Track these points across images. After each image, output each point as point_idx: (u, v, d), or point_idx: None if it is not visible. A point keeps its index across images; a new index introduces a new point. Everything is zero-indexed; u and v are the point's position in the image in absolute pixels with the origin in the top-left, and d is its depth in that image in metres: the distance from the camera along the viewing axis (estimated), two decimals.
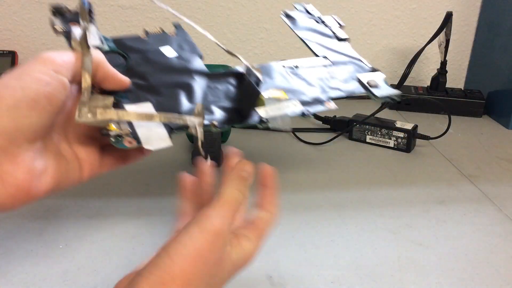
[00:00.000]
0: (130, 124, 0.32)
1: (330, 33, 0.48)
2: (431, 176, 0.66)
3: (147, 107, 0.34)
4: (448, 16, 0.84)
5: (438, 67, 0.92)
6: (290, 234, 0.52)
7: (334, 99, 0.40)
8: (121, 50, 0.37)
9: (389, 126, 0.74)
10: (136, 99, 0.34)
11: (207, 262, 0.27)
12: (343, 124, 0.79)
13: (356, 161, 0.71)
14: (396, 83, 0.89)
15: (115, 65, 0.34)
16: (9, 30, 0.92)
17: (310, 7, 0.51)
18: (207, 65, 0.70)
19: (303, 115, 0.39)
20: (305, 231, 0.53)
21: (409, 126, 0.73)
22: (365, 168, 0.68)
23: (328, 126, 0.82)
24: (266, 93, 0.38)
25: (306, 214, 0.56)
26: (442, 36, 0.87)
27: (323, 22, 0.49)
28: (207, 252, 0.27)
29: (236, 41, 0.98)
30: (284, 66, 0.42)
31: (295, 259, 0.48)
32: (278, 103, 0.38)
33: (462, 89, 0.95)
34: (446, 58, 0.90)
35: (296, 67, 0.42)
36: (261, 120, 0.36)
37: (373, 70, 0.44)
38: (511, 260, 0.49)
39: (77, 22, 0.36)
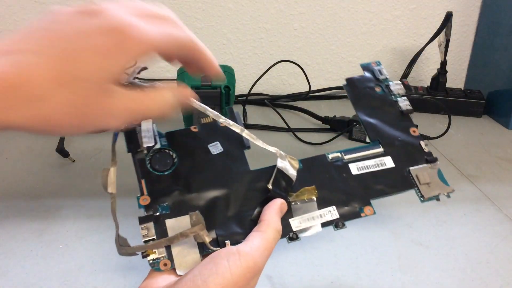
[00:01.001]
0: (167, 245, 0.34)
1: (393, 105, 0.43)
2: None
3: (185, 221, 0.35)
4: (448, 16, 0.84)
5: (438, 67, 0.92)
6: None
7: (375, 198, 0.38)
8: (172, 148, 0.38)
9: None
10: (177, 212, 0.36)
11: None
12: (343, 124, 0.79)
13: None
14: None
15: (164, 165, 0.37)
16: (9, 30, 0.92)
17: (379, 69, 0.45)
18: None
19: (336, 227, 0.36)
20: None
21: None
22: None
23: (328, 126, 0.82)
24: (294, 196, 0.37)
25: None
26: (442, 36, 0.87)
27: (388, 88, 0.44)
28: (242, 286, 0.30)
29: (236, 41, 0.98)
30: (329, 158, 0.39)
31: (295, 259, 0.48)
32: (311, 212, 0.36)
33: (462, 89, 0.95)
34: (446, 58, 0.90)
35: (343, 159, 0.39)
36: (290, 237, 0.35)
37: (429, 157, 0.40)
38: (511, 260, 0.49)
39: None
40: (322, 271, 0.46)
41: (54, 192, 0.59)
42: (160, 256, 0.33)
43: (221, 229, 0.35)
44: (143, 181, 0.36)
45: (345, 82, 0.44)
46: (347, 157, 0.40)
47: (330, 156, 0.40)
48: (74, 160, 0.67)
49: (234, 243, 0.33)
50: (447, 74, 0.92)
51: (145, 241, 0.34)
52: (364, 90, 0.44)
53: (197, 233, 0.33)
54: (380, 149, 0.40)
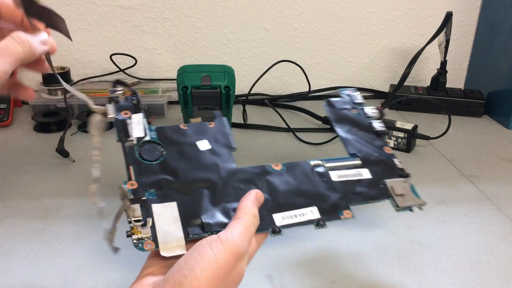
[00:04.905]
0: (152, 227, 0.34)
1: (368, 126, 0.47)
2: (431, 176, 0.66)
3: (171, 207, 0.36)
4: (448, 16, 0.84)
5: (438, 67, 0.92)
6: (290, 234, 0.52)
7: (354, 204, 0.40)
8: (161, 141, 0.40)
9: (389, 126, 0.74)
10: (164, 199, 0.36)
11: (226, 280, 0.30)
12: None
13: None
14: (396, 83, 0.89)
15: (152, 156, 0.39)
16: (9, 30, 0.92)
17: (355, 95, 0.50)
18: (208, 65, 0.70)
19: (317, 225, 0.38)
20: (305, 231, 0.53)
21: (409, 126, 0.73)
22: None
23: (328, 126, 0.82)
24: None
25: None
26: (442, 36, 0.87)
27: (363, 111, 0.48)
28: (228, 271, 0.30)
29: (236, 41, 0.98)
30: (311, 165, 0.42)
31: (295, 259, 0.48)
32: (295, 210, 0.38)
33: (462, 89, 0.95)
34: (446, 58, 0.90)
35: (324, 166, 0.42)
36: (274, 230, 0.37)
37: (402, 172, 0.43)
38: (511, 260, 0.49)
39: (128, 110, 0.40)
40: (322, 271, 0.46)
41: (54, 192, 0.59)
42: (145, 236, 0.34)
43: (206, 217, 0.36)
44: (131, 168, 0.38)
45: (325, 104, 0.49)
46: (327, 165, 0.43)
47: (312, 163, 0.42)
48: (74, 160, 0.67)
49: (219, 230, 0.35)
50: (447, 74, 0.92)
51: (129, 221, 0.34)
52: (342, 110, 0.49)
53: (128, 206, 0.34)
54: (358, 162, 0.44)
